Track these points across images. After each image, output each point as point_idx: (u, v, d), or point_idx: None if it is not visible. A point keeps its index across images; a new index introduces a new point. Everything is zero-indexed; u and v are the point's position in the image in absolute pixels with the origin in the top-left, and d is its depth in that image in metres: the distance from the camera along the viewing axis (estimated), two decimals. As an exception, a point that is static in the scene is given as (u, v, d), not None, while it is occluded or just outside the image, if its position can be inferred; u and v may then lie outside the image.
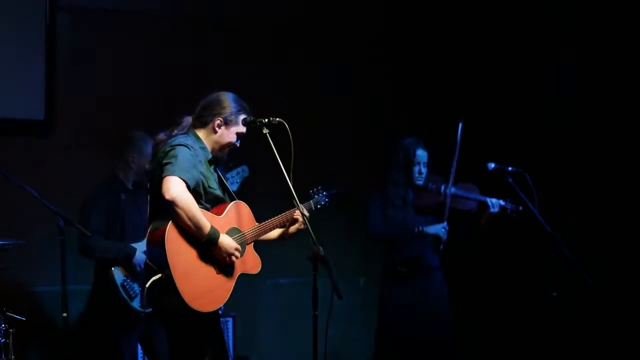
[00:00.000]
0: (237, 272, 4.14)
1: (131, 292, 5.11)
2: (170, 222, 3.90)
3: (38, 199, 4.60)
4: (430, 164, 5.51)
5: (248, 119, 4.24)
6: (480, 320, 6.57)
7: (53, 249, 4.63)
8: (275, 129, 4.17)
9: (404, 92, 6.85)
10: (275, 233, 4.39)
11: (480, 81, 6.71)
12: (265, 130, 4.18)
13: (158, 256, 3.93)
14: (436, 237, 5.40)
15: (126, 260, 5.10)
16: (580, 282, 5.07)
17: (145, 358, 5.42)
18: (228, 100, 4.23)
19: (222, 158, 4.30)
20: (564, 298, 5.10)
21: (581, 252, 5.21)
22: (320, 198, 4.56)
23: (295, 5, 6.58)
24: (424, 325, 5.46)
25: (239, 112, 4.21)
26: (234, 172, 5.54)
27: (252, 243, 4.24)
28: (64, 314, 4.62)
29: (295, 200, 4.15)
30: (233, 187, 5.30)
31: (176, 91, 5.97)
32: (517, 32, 6.55)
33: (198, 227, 3.93)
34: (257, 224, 4.27)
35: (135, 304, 5.12)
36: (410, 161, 5.45)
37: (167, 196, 3.87)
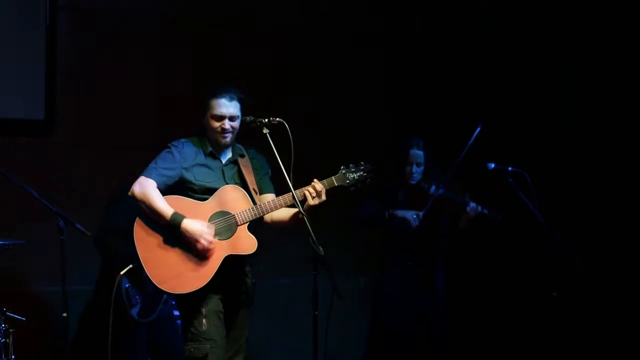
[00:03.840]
0: (222, 254, 4.23)
1: (132, 300, 5.09)
2: (137, 217, 4.24)
3: (38, 199, 4.59)
4: (431, 164, 5.51)
5: (248, 119, 4.29)
6: (480, 320, 6.57)
7: (53, 249, 4.63)
8: (275, 129, 4.19)
9: (405, 93, 6.85)
10: (289, 215, 4.38)
11: (481, 81, 6.71)
12: (265, 130, 4.22)
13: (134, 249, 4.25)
14: (405, 221, 5.41)
15: (137, 271, 5.04)
16: (579, 282, 5.08)
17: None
18: (206, 90, 4.42)
19: (226, 145, 4.38)
20: (563, 298, 5.11)
21: (581, 252, 5.22)
22: (353, 173, 4.36)
23: (296, 7, 6.58)
24: (416, 322, 5.49)
25: (208, 98, 4.36)
26: None
27: (246, 224, 4.28)
28: (64, 314, 4.62)
29: (296, 200, 4.15)
30: None
31: (176, 91, 5.97)
32: (519, 33, 6.55)
33: (159, 215, 4.19)
34: (253, 206, 4.31)
35: (134, 312, 5.10)
36: (403, 160, 5.50)
37: (129, 192, 4.24)
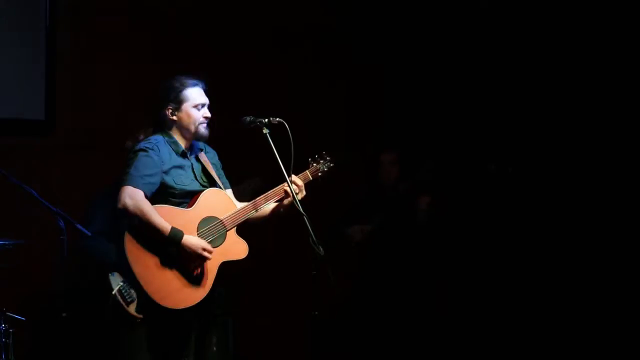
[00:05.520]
0: (217, 262, 4.13)
1: (128, 298, 5.06)
2: (126, 232, 4.00)
3: (38, 199, 4.59)
4: (409, 165, 5.61)
5: (248, 119, 4.25)
6: (479, 321, 6.57)
7: (53, 249, 4.63)
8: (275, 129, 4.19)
9: (400, 92, 6.86)
10: (269, 210, 4.34)
11: (480, 81, 6.72)
12: (265, 130, 4.18)
13: (124, 263, 4.03)
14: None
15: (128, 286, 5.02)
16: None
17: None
18: (168, 84, 4.25)
19: (203, 137, 4.27)
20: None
21: (581, 251, 5.22)
22: (322, 165, 4.45)
23: (295, 7, 6.59)
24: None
25: (182, 89, 4.22)
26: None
27: (234, 228, 4.21)
28: (64, 314, 4.62)
29: (296, 201, 4.15)
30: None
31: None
32: (519, 33, 6.56)
33: (156, 231, 3.99)
34: (237, 208, 4.24)
35: (132, 309, 5.07)
36: (378, 162, 5.56)
37: (119, 205, 3.99)
